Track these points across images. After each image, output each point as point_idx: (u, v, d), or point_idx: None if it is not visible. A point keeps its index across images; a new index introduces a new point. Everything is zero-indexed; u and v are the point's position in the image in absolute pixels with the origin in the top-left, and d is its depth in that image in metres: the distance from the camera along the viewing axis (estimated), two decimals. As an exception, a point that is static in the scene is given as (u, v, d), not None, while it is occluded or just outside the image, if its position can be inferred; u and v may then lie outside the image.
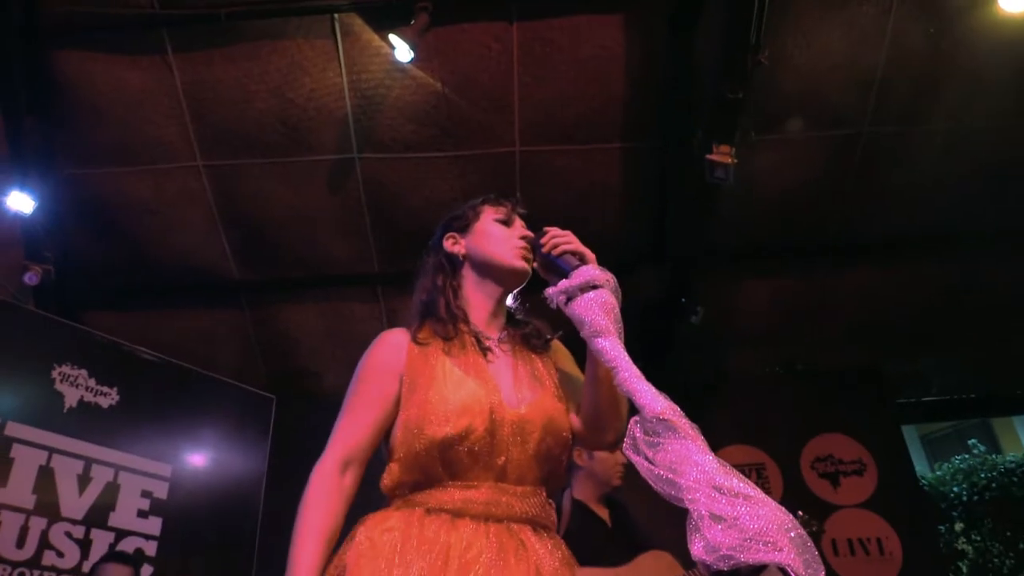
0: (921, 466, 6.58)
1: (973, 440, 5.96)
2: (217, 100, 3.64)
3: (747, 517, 1.23)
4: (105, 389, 3.97)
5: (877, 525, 4.19)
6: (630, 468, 3.02)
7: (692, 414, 4.08)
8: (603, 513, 2.97)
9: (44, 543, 3.50)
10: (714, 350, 4.57)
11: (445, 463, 1.40)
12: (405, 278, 4.31)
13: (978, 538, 5.38)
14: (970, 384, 5.10)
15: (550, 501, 1.50)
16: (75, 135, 3.64)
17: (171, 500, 4.01)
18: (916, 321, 4.53)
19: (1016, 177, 3.91)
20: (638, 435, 1.41)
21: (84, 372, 3.92)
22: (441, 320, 1.59)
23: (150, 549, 3.84)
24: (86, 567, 3.53)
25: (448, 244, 1.70)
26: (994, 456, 5.79)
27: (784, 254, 4.30)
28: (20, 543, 3.44)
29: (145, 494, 3.95)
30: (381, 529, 1.35)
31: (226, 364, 4.62)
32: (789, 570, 1.15)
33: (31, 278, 3.65)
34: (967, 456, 5.76)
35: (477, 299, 1.67)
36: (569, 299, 1.64)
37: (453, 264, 1.68)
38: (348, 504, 1.42)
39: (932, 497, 5.46)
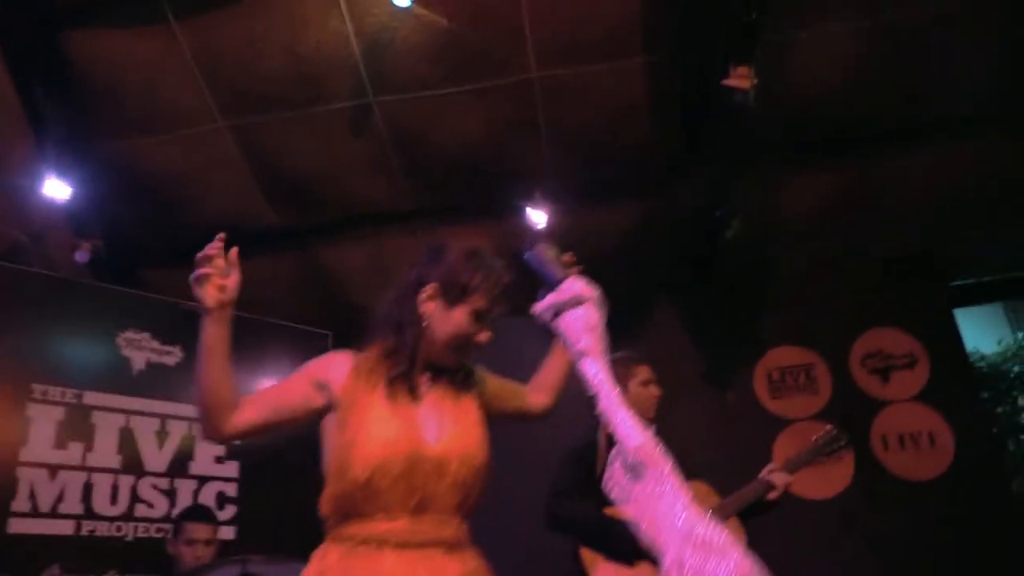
0: (1004, 333, 6.30)
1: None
2: (227, 62, 3.61)
3: (715, 570, 1.28)
4: (169, 348, 4.21)
5: (928, 418, 4.18)
6: (663, 400, 3.08)
7: (739, 318, 4.10)
8: None
9: (135, 497, 3.84)
10: (759, 250, 4.48)
11: (369, 498, 1.59)
12: (440, 212, 4.34)
13: (1041, 411, 5.31)
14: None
15: (463, 523, 1.69)
16: (96, 113, 3.69)
17: (245, 443, 4.29)
18: (969, 203, 4.31)
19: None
20: (617, 470, 1.46)
21: (147, 335, 4.15)
22: (396, 367, 1.72)
23: (231, 490, 4.17)
24: (175, 513, 3.88)
25: (422, 299, 1.78)
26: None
27: (828, 147, 4.09)
28: (114, 500, 3.79)
29: (220, 441, 4.25)
30: (320, 568, 1.59)
31: (280, 307, 4.79)
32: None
33: (82, 256, 3.82)
34: (1031, 331, 5.61)
35: (426, 354, 1.77)
36: (556, 314, 1.68)
37: (420, 320, 1.76)
38: (233, 403, 1.74)
39: (992, 377, 5.37)
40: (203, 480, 4.12)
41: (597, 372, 1.56)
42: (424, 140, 4.04)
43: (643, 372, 3.06)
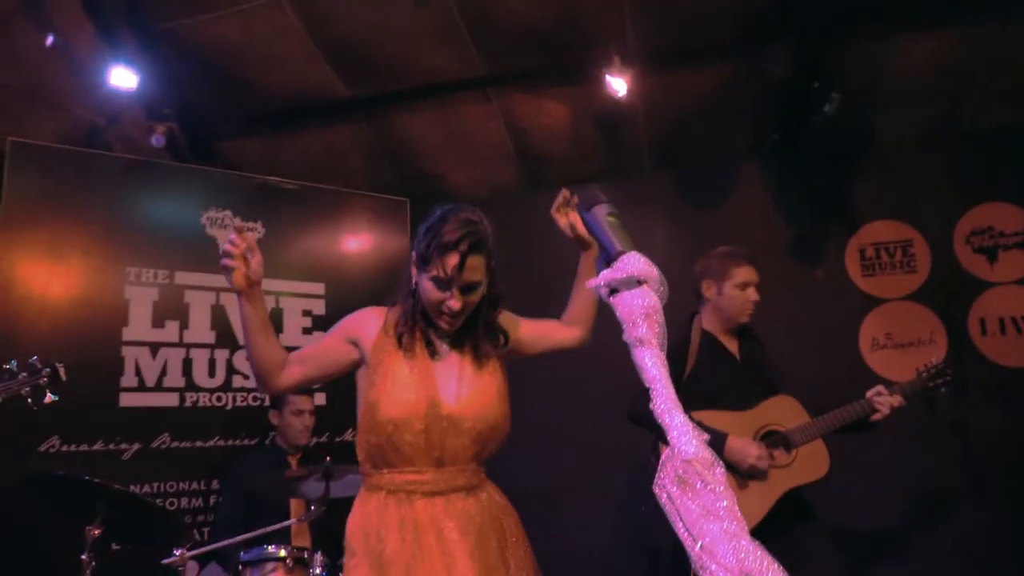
0: None
1: None
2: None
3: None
4: (250, 224, 4.27)
5: (1036, 302, 3.91)
6: (760, 304, 2.96)
7: (831, 189, 3.88)
8: (732, 346, 2.99)
9: (230, 369, 4.08)
10: (857, 118, 4.08)
11: (395, 452, 1.81)
12: (513, 78, 4.11)
13: None
14: None
15: (478, 467, 1.90)
16: (152, -5, 3.56)
17: (329, 313, 4.43)
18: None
19: None
20: (668, 475, 1.41)
21: (228, 212, 4.22)
22: (406, 327, 1.86)
23: (319, 360, 4.38)
24: (269, 383, 4.12)
25: (413, 268, 1.87)
26: None
27: (937, 6, 3.59)
28: (211, 372, 4.04)
29: (305, 313, 4.41)
30: (363, 513, 1.84)
31: (356, 176, 4.79)
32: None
33: (158, 140, 3.83)
34: None
35: (425, 318, 1.89)
36: (612, 291, 1.58)
37: (411, 286, 1.88)
38: (280, 363, 1.92)
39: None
40: (292, 351, 4.31)
41: (653, 365, 1.48)
42: (494, 4, 3.74)
43: (741, 274, 2.92)
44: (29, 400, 2.35)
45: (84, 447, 3.58)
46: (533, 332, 2.07)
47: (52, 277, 3.69)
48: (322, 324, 4.39)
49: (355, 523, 1.86)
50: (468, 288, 1.81)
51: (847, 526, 3.88)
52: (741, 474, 2.75)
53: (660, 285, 1.54)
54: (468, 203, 1.88)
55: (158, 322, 3.93)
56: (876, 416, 2.83)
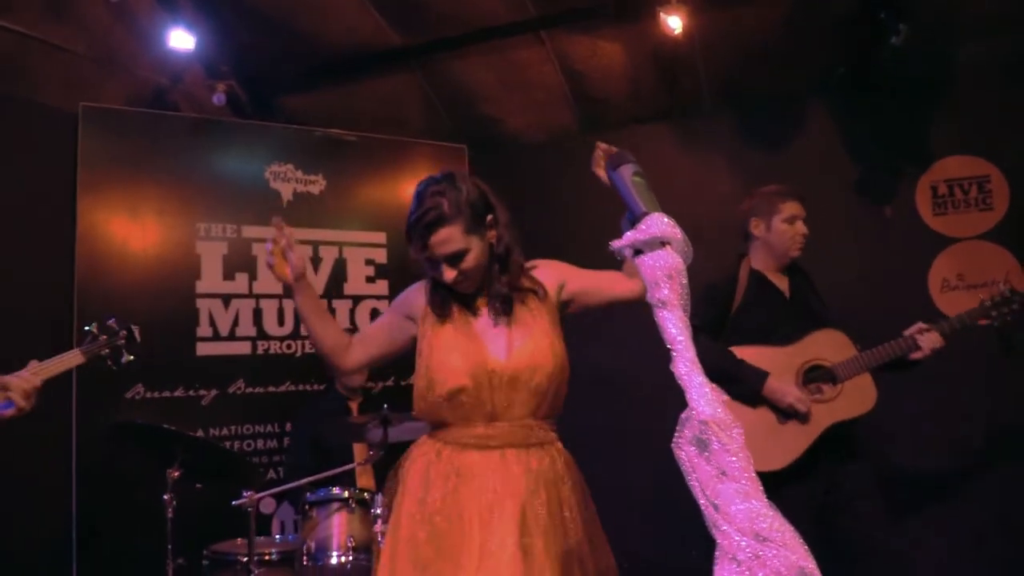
0: None
1: None
2: None
3: (769, 561, 1.28)
4: (312, 177, 4.39)
5: (1123, 240, 3.68)
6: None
7: (901, 124, 3.74)
8: (782, 283, 2.98)
9: (298, 319, 4.21)
10: (932, 47, 3.85)
11: (450, 411, 1.86)
12: (567, 17, 4.03)
13: None
14: None
15: (540, 422, 1.88)
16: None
17: (391, 262, 4.54)
18: None
19: None
20: (686, 435, 1.43)
21: (291, 166, 4.34)
22: (436, 296, 1.92)
23: (383, 307, 4.50)
24: (336, 331, 4.29)
25: None
26: None
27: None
28: (280, 322, 4.22)
29: (368, 262, 4.52)
30: (419, 452, 1.92)
31: (413, 125, 4.82)
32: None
33: (219, 98, 3.94)
34: None
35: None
36: (636, 252, 1.59)
37: None
38: (343, 345, 2.01)
39: None
40: (357, 299, 4.46)
41: (675, 327, 1.49)
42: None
43: (789, 208, 2.92)
44: (109, 361, 2.50)
45: (166, 393, 3.82)
46: (589, 284, 2.02)
47: (129, 235, 3.89)
48: (385, 273, 4.52)
49: (410, 456, 1.94)
50: (451, 259, 1.81)
51: (911, 466, 3.82)
52: (782, 411, 2.76)
53: (684, 246, 1.55)
54: (448, 172, 1.88)
55: (228, 275, 4.11)
56: (915, 355, 2.78)
